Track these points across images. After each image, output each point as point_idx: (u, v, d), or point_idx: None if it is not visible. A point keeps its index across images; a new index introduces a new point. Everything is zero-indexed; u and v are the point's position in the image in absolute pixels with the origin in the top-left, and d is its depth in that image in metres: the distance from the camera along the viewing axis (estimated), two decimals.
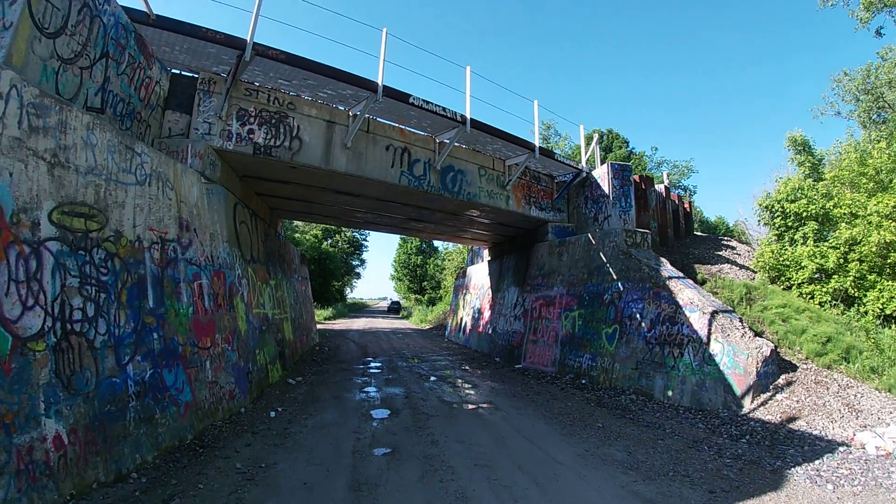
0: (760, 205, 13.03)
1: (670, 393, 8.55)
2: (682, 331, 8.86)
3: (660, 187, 17.09)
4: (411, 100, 9.36)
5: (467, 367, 13.15)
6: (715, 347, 8.20)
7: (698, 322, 8.63)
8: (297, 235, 39.34)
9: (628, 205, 13.10)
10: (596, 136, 15.08)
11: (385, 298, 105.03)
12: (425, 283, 49.46)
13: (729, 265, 13.41)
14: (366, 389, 9.51)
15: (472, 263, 24.04)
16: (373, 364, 13.18)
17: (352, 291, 64.43)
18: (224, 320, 7.29)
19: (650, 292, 9.94)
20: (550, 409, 8.25)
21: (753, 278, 12.07)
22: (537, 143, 12.27)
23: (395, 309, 53.59)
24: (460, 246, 38.61)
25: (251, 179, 9.84)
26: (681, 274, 10.63)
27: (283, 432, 6.32)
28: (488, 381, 10.93)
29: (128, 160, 5.65)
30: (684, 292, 9.34)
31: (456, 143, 11.42)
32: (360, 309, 59.96)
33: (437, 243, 60.72)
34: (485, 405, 8.45)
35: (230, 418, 6.76)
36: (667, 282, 9.83)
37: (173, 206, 6.42)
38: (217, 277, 7.23)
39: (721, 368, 7.99)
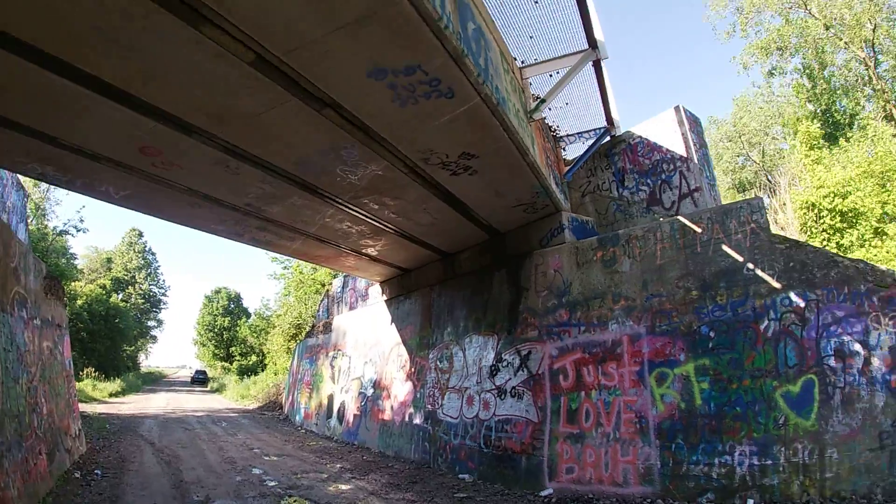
0: None
1: None
2: None
3: None
4: None
5: None
6: None
7: None
8: (73, 283, 25.60)
9: (713, 176, 8.10)
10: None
11: (185, 367, 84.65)
12: (233, 348, 40.95)
13: None
14: None
15: (335, 313, 15.27)
16: None
17: (147, 358, 49.67)
18: None
19: (872, 301, 4.99)
20: None
21: None
22: (598, 35, 6.15)
23: (200, 380, 42.08)
24: (292, 298, 27.61)
25: None
26: None
27: None
28: None
29: None
30: None
31: None
32: (157, 380, 47.32)
33: (248, 303, 49.80)
34: None
35: None
36: None
37: None
38: None
39: None
